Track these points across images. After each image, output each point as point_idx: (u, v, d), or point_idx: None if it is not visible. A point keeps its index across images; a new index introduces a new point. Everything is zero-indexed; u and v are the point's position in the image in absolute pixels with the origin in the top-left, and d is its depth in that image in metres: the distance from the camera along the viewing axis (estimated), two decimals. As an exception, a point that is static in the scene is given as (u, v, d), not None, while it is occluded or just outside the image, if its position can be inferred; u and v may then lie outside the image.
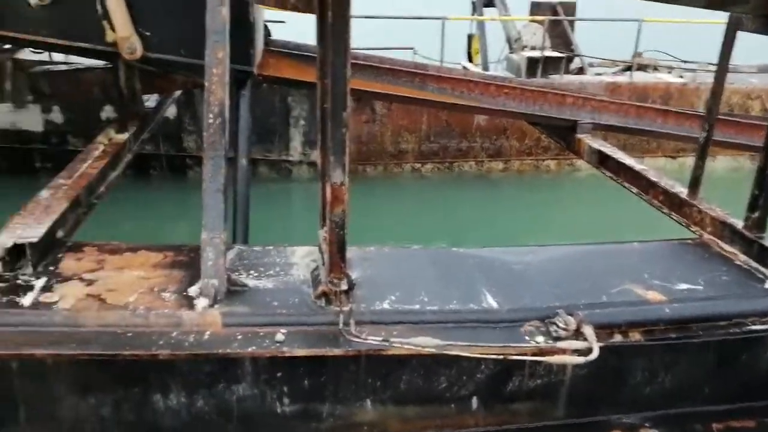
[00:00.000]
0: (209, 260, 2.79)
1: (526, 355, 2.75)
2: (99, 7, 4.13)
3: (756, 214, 3.63)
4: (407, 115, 10.40)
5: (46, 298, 2.74)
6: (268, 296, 2.86)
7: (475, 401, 2.90)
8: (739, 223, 3.76)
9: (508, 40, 13.91)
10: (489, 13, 14.87)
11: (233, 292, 2.85)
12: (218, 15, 3.19)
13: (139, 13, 4.23)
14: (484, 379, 2.87)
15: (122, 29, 4.18)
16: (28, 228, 3.11)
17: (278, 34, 5.94)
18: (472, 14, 14.92)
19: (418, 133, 10.72)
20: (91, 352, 2.52)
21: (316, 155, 3.07)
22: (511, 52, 13.42)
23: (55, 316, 2.64)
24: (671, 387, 3.10)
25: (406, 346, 2.60)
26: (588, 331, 2.78)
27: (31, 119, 8.48)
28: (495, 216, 9.75)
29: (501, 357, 2.69)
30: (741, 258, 3.63)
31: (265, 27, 5.83)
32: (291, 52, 5.79)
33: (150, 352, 2.54)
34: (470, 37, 15.02)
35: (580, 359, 2.71)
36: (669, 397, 3.12)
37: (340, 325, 2.64)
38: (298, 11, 3.22)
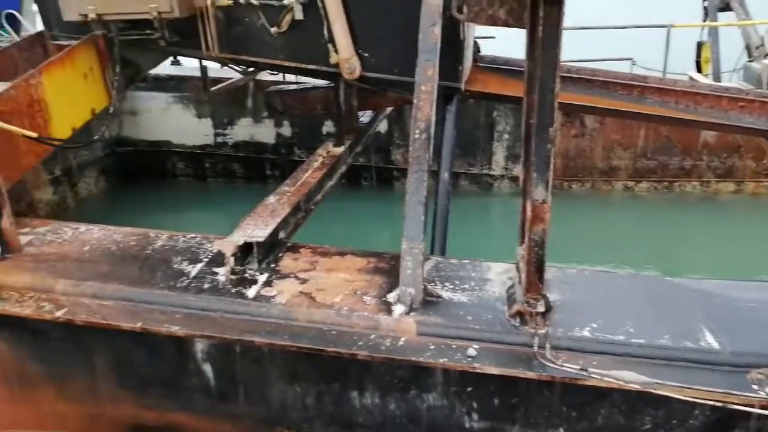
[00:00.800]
0: (408, 269, 2.90)
1: (752, 406, 2.39)
2: (326, 33, 4.56)
3: None
4: (621, 130, 9.69)
5: (267, 291, 3.07)
6: (462, 309, 2.87)
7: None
8: None
9: (748, 47, 12.30)
10: (724, 18, 13.34)
11: (429, 302, 2.91)
12: (430, 34, 3.32)
13: (360, 36, 4.58)
14: (699, 426, 2.55)
15: (344, 51, 4.57)
16: (257, 228, 3.52)
17: (488, 49, 5.97)
18: (704, 20, 13.49)
19: (634, 149, 9.92)
20: (300, 345, 2.77)
21: (518, 170, 3.02)
22: (750, 61, 11.84)
23: (273, 309, 2.94)
24: None
25: (606, 379, 2.42)
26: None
27: (266, 132, 9.61)
28: (721, 244, 8.61)
29: (721, 404, 2.37)
30: None
31: (475, 43, 5.91)
32: (499, 67, 5.80)
33: (350, 351, 2.71)
34: (700, 45, 13.59)
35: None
36: None
37: (535, 348, 2.55)
38: (509, 26, 3.20)
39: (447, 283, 3.11)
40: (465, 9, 3.04)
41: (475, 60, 5.89)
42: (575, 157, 10.04)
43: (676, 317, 2.82)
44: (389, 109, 7.59)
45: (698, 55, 13.62)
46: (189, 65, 9.04)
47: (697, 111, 5.82)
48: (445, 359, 2.61)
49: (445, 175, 4.74)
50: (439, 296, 2.97)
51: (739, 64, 12.12)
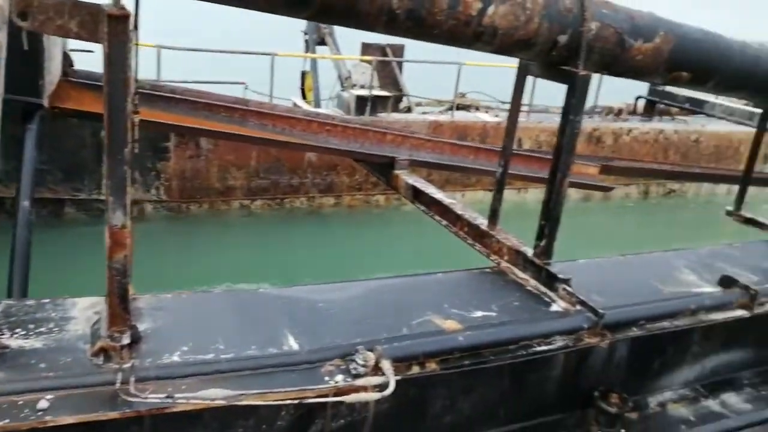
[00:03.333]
0: (-45, 322, 2.41)
1: (325, 396, 2.69)
2: None
3: (543, 243, 3.95)
4: (235, 150, 10.16)
5: None
6: (33, 358, 2.52)
7: (279, 449, 2.78)
8: (530, 251, 4.07)
9: (340, 78, 14.32)
10: (321, 51, 15.22)
11: (-10, 356, 2.48)
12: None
13: None
14: (286, 425, 2.76)
15: None
16: None
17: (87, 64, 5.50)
18: (306, 51, 15.17)
19: (247, 169, 10.51)
20: None
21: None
22: (342, 90, 13.80)
23: None
24: (470, 412, 3.23)
25: (192, 401, 2.42)
26: (386, 365, 2.81)
27: None
28: (326, 252, 9.79)
29: (297, 401, 2.61)
30: (532, 283, 3.92)
31: (66, 56, 5.37)
32: (95, 84, 5.39)
33: None
34: (303, 74, 15.24)
35: (377, 395, 2.71)
36: (468, 422, 3.24)
37: (118, 384, 2.39)
38: (83, 39, 2.95)
39: (18, 330, 2.70)
40: (30, 16, 2.70)
41: (66, 74, 5.35)
42: (192, 177, 10.07)
43: (264, 326, 3.02)
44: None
45: (302, 83, 15.23)
46: None
47: (293, 133, 6.44)
48: (7, 420, 2.24)
49: (24, 204, 4.14)
50: (5, 347, 2.55)
51: (334, 93, 13.98)
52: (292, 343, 2.92)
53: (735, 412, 3.81)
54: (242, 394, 2.52)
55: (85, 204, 9.28)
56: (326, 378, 2.76)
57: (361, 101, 12.51)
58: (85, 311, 2.91)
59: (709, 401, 3.94)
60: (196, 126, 6.10)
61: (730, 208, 5.85)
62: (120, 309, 2.58)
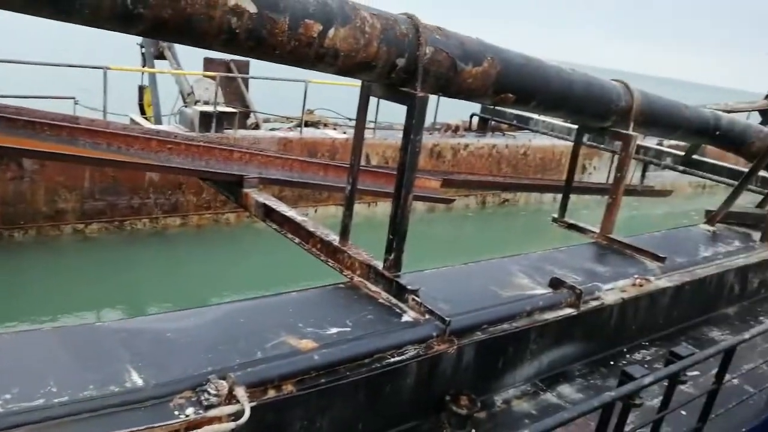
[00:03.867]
0: None
1: (175, 431, 2.55)
2: None
3: (392, 256, 4.09)
4: (64, 171, 9.30)
5: None
6: None
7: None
8: (381, 265, 4.18)
9: (182, 94, 13.72)
10: (161, 65, 14.48)
11: None
12: None
13: None
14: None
15: None
16: None
17: None
18: (143, 65, 14.34)
19: (80, 191, 9.66)
20: None
21: None
22: (184, 106, 13.23)
23: None
24: (328, 430, 3.23)
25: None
26: (240, 392, 2.73)
27: None
28: (174, 275, 9.28)
29: (145, 441, 2.44)
30: (384, 296, 4.03)
31: None
32: None
33: None
34: (141, 89, 14.39)
35: (232, 424, 2.63)
36: (327, 441, 3.24)
37: None
38: None
39: None
40: None
41: None
42: (14, 202, 9.06)
43: (103, 363, 2.79)
44: None
45: (141, 98, 14.37)
46: None
47: (129, 152, 6.04)
48: None
49: None
50: None
51: (176, 109, 13.37)
52: (136, 379, 2.73)
53: (570, 402, 4.21)
54: (81, 441, 2.30)
55: None
56: (176, 412, 2.61)
57: (205, 117, 12.07)
58: None
59: (548, 394, 4.31)
60: (16, 146, 5.50)
61: (555, 215, 6.50)
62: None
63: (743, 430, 4.34)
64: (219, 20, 2.82)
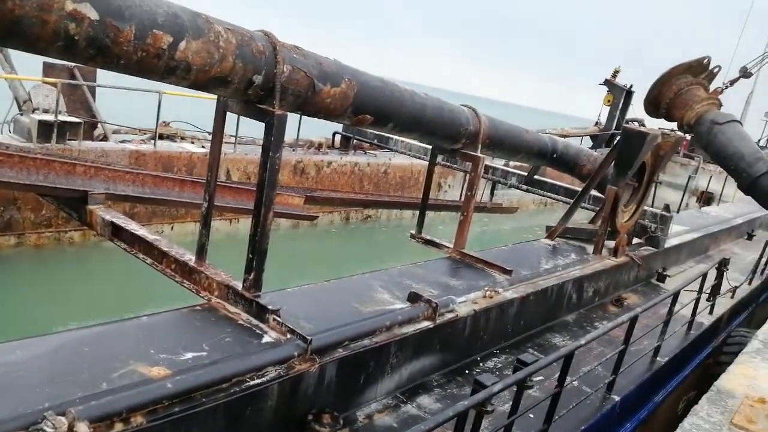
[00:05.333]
0: None
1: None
2: None
3: (251, 276, 4.00)
4: None
5: None
6: None
7: None
8: (240, 285, 4.07)
9: (17, 101, 12.43)
10: (-10, 68, 13.02)
11: None
12: None
13: None
14: None
15: None
16: None
17: None
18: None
19: None
20: None
21: None
22: (20, 114, 12.00)
23: None
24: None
25: None
26: (82, 428, 2.51)
27: None
28: (8, 301, 8.31)
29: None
30: (243, 317, 3.93)
31: None
32: None
33: None
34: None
35: (71, 466, 2.40)
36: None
37: None
38: None
39: None
40: None
41: None
42: None
43: None
44: None
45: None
46: None
47: (-50, 165, 5.37)
48: None
49: None
50: None
51: (10, 117, 12.09)
52: (-45, 423, 2.41)
53: (429, 412, 4.37)
54: None
55: None
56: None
57: (45, 127, 11.01)
58: None
59: (408, 406, 4.43)
60: None
61: (413, 231, 6.75)
62: None
63: (582, 428, 4.77)
64: (54, 25, 2.61)
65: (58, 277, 9.57)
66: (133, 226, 5.25)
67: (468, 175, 7.19)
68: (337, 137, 17.32)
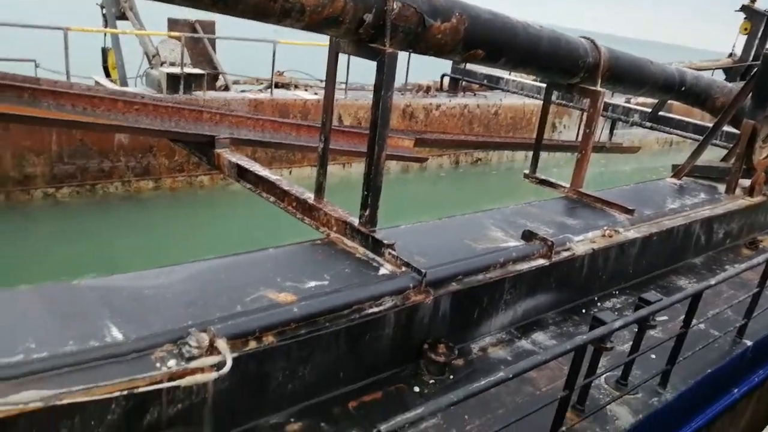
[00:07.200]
0: None
1: (158, 382, 2.59)
2: None
3: (367, 212, 4.12)
4: (30, 135, 9.05)
5: None
6: None
7: (109, 446, 2.62)
8: (356, 221, 4.22)
9: (147, 56, 13.34)
10: (123, 26, 14.02)
11: None
12: None
13: None
14: (118, 419, 2.60)
15: None
16: None
17: None
18: (105, 26, 13.86)
19: (48, 154, 9.43)
20: None
21: None
22: (150, 68, 12.89)
23: None
24: (311, 379, 3.30)
25: (2, 408, 2.18)
26: (221, 344, 2.77)
27: None
28: (149, 238, 9.17)
29: (127, 392, 2.47)
30: (360, 251, 4.09)
31: None
32: None
33: None
34: (105, 51, 13.93)
35: (214, 374, 2.67)
36: (310, 389, 3.33)
37: None
38: None
39: None
40: None
41: None
42: (-22, 167, 8.83)
43: (82, 319, 2.80)
44: None
45: (105, 61, 13.92)
46: None
47: (95, 114, 5.91)
48: None
49: None
50: None
51: (142, 71, 13.02)
52: (116, 334, 2.75)
53: (544, 348, 4.36)
54: (63, 393, 2.32)
55: None
56: (158, 365, 2.65)
57: (172, 79, 11.78)
58: None
59: (522, 341, 4.45)
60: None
61: (527, 171, 6.59)
62: None
63: (709, 370, 4.55)
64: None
65: (191, 217, 10.37)
66: (256, 168, 5.56)
67: (586, 112, 6.85)
68: (446, 80, 17.05)
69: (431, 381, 3.77)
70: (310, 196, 4.72)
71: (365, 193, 4.13)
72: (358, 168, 13.42)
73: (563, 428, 3.20)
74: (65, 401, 2.32)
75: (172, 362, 2.66)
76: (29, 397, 2.24)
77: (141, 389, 2.53)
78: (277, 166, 12.68)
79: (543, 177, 6.45)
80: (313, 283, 3.54)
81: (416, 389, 3.69)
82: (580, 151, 6.11)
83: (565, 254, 4.78)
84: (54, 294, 3.04)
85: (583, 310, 5.03)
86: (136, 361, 2.63)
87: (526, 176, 6.58)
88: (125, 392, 2.47)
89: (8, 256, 7.82)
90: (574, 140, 14.08)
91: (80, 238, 8.64)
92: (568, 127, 18.74)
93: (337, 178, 12.95)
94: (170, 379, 2.63)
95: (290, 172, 13.03)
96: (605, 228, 5.31)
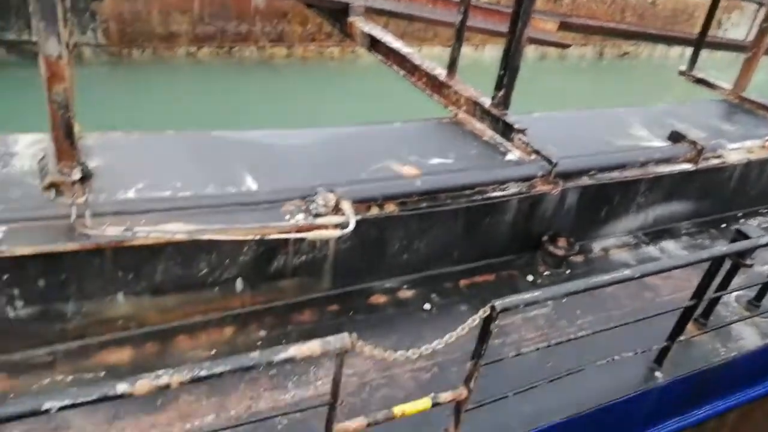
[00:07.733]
0: None
1: (286, 232, 2.73)
2: None
3: (501, 93, 3.92)
4: (176, -7, 9.37)
5: None
6: (-19, 192, 2.43)
7: (240, 283, 2.86)
8: (488, 102, 4.04)
9: None
10: None
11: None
12: None
13: None
14: (249, 260, 2.82)
15: None
16: None
17: None
18: None
19: (191, 13, 9.75)
20: None
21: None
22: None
23: None
24: (425, 252, 3.36)
25: (152, 235, 2.41)
26: (346, 206, 2.84)
27: None
28: (280, 103, 9.45)
29: (259, 237, 2.64)
30: (488, 134, 3.94)
31: None
32: None
33: None
34: None
35: (338, 232, 2.77)
36: (424, 261, 3.39)
37: (73, 218, 2.34)
38: None
39: (-42, 166, 2.56)
40: None
41: None
42: (131, 21, 9.33)
43: (221, 167, 2.97)
44: None
45: None
46: None
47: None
48: (-42, 251, 2.19)
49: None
50: (-54, 181, 2.43)
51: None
52: (251, 184, 2.90)
53: (671, 257, 4.11)
54: (204, 229, 2.52)
55: (14, 46, 8.55)
56: (287, 216, 2.78)
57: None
58: (29, 147, 2.77)
59: (650, 247, 4.21)
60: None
61: (683, 68, 5.90)
62: (66, 144, 2.46)
63: None
64: None
65: (321, 87, 10.50)
66: (388, 39, 5.40)
67: (765, 6, 5.91)
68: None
69: (546, 272, 3.71)
70: (441, 72, 4.54)
71: (501, 72, 3.91)
72: (491, 51, 12.77)
73: (682, 337, 3.06)
74: (206, 237, 2.51)
75: (300, 216, 2.78)
76: (177, 229, 2.45)
77: (271, 236, 2.68)
78: (407, 42, 12.33)
79: (701, 76, 5.77)
80: (437, 160, 3.49)
81: (529, 278, 3.65)
82: (750, 50, 5.35)
83: (715, 161, 4.34)
84: (196, 141, 3.23)
85: (723, 225, 4.63)
86: (268, 211, 2.77)
87: (681, 73, 5.91)
88: (257, 237, 2.64)
89: (154, 103, 8.42)
90: (743, 39, 12.38)
91: (218, 96, 9.07)
92: (735, 25, 16.44)
93: (470, 60, 12.39)
94: (298, 231, 2.77)
95: (420, 50, 12.62)
96: (767, 138, 4.72)
